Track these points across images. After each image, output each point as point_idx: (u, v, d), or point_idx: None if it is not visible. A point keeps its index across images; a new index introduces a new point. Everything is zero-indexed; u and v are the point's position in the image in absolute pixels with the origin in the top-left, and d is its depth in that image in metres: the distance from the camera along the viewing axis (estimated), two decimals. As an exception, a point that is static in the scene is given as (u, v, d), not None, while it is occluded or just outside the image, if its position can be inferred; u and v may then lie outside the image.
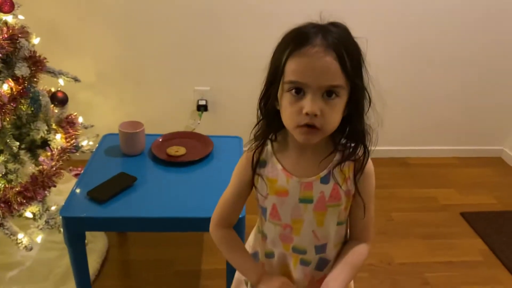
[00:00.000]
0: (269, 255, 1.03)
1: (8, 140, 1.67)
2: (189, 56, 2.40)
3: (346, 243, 1.02)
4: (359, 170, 0.93)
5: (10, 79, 1.54)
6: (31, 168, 1.65)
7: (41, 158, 1.64)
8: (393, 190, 2.44)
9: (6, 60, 1.56)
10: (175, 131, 1.82)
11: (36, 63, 1.62)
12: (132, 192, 1.48)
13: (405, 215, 2.27)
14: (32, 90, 1.63)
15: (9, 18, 1.60)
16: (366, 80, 0.86)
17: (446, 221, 2.25)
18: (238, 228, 1.11)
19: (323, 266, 1.01)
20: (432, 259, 1.99)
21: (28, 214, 1.62)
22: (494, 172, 2.73)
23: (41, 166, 1.61)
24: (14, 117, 1.55)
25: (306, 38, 0.80)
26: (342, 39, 0.81)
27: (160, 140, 1.75)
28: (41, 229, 1.63)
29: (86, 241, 1.45)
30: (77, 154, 1.90)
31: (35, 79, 1.62)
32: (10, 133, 1.68)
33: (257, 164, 0.95)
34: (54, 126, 1.79)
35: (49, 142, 1.72)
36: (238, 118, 2.52)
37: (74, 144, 1.82)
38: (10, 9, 1.56)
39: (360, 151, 0.92)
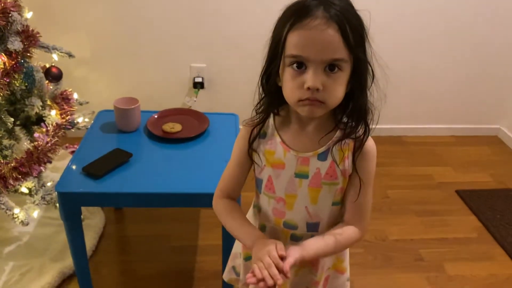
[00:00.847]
0: (262, 228, 1.03)
1: (2, 116, 1.66)
2: (185, 33, 2.38)
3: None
4: (358, 149, 0.91)
5: (2, 54, 1.52)
6: (26, 144, 1.65)
7: (36, 134, 1.63)
8: (389, 168, 2.45)
9: (-2, 34, 1.54)
10: (171, 108, 1.81)
11: (29, 37, 1.60)
12: (127, 168, 1.48)
13: (401, 193, 2.29)
14: (25, 65, 1.61)
15: (0, -9, 1.57)
16: (369, 54, 0.85)
17: (441, 199, 2.27)
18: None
19: None
20: (426, 235, 2.01)
21: (24, 189, 1.62)
22: (490, 150, 2.74)
23: (36, 142, 1.60)
24: (8, 92, 1.54)
25: (307, 10, 0.79)
26: (344, 11, 0.79)
27: (156, 116, 1.74)
28: (37, 204, 1.64)
29: (82, 216, 1.46)
30: (73, 130, 1.90)
31: (28, 54, 1.60)
32: (5, 109, 1.68)
33: (255, 140, 0.95)
34: (49, 102, 1.78)
35: (44, 118, 1.71)
36: (234, 95, 2.51)
37: (70, 121, 1.81)
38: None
39: (361, 130, 0.90)
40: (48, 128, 1.65)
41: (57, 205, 1.44)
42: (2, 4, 1.52)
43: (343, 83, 0.83)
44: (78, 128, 1.92)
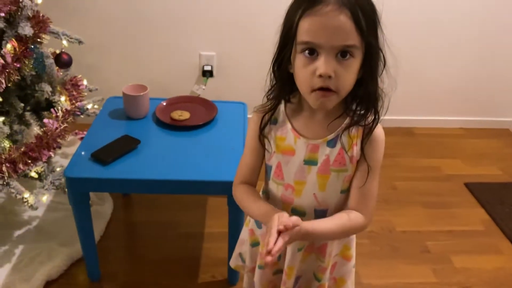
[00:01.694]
0: None
1: (13, 101, 1.68)
2: (195, 20, 2.37)
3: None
4: (366, 136, 0.91)
5: (13, 39, 1.53)
6: (36, 129, 1.66)
7: (46, 120, 1.65)
8: (398, 159, 2.44)
9: (9, 19, 1.54)
10: (179, 95, 1.82)
11: (39, 23, 1.60)
12: (135, 154, 1.49)
13: (408, 184, 2.28)
14: (36, 50, 1.62)
15: (11, -24, 1.57)
16: (381, 41, 0.84)
17: (449, 191, 2.25)
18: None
19: None
20: (433, 227, 2.01)
21: (33, 174, 1.64)
22: (501, 143, 2.71)
23: (46, 128, 1.61)
24: (19, 77, 1.54)
25: None
26: None
27: (164, 104, 1.75)
28: (46, 189, 1.66)
29: (90, 202, 1.48)
30: (82, 117, 1.91)
31: (38, 40, 1.61)
32: (15, 94, 1.69)
33: (266, 126, 0.95)
34: (58, 88, 1.79)
35: (53, 104, 1.72)
36: (243, 84, 2.51)
37: (79, 107, 1.82)
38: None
39: (370, 116, 0.90)
40: (58, 114, 1.66)
41: (66, 189, 1.46)
42: (13, -10, 1.52)
43: (354, 70, 0.82)
44: (88, 115, 1.93)
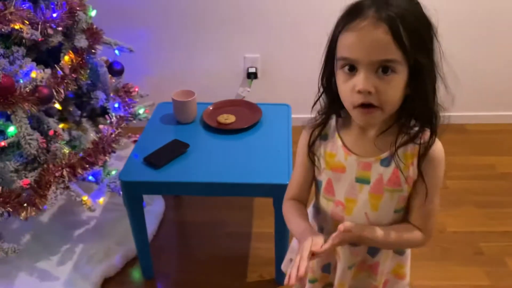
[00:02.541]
0: (320, 230, 1.03)
1: (71, 109, 1.79)
2: (239, 23, 2.41)
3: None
4: (423, 155, 0.86)
5: (70, 51, 1.62)
6: (92, 135, 1.76)
7: (101, 126, 1.74)
8: (449, 157, 2.30)
9: (66, 33, 1.64)
10: (224, 99, 1.86)
11: (93, 34, 1.70)
12: (185, 158, 1.55)
13: (461, 183, 2.21)
14: (90, 61, 1.71)
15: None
16: (438, 56, 0.81)
17: (504, 190, 2.16)
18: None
19: (375, 251, 1.00)
20: (487, 228, 1.94)
21: (91, 178, 1.74)
22: (561, 139, 2.57)
23: (101, 133, 1.71)
24: (75, 87, 1.64)
25: (358, 11, 0.77)
26: (401, 11, 0.76)
27: (211, 108, 1.80)
28: (102, 191, 1.75)
29: (144, 203, 1.55)
30: (134, 122, 2.00)
31: (93, 50, 1.70)
32: (73, 102, 1.80)
33: (315, 141, 0.94)
34: (112, 95, 1.88)
35: (108, 111, 1.81)
36: (288, 86, 2.53)
37: (131, 113, 1.91)
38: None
39: (426, 134, 0.86)
40: (112, 120, 1.76)
41: (121, 192, 1.54)
42: (69, 5, 1.62)
43: (398, 87, 0.79)
44: (139, 119, 2.02)
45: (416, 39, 0.76)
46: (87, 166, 1.60)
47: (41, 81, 1.46)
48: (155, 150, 1.56)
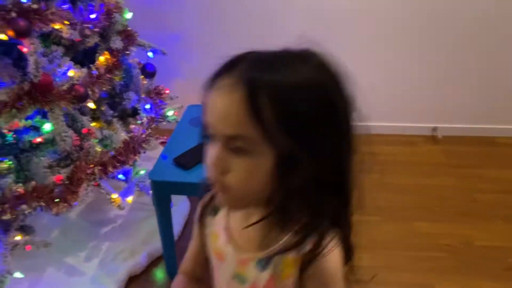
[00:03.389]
0: None
1: (103, 108, 1.82)
2: (270, 30, 2.43)
3: None
4: (306, 267, 0.65)
5: (106, 52, 1.66)
6: (123, 135, 1.79)
7: (132, 126, 1.77)
8: (478, 171, 2.32)
9: (102, 34, 1.68)
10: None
11: (128, 36, 1.74)
12: (213, 160, 1.56)
13: (490, 197, 2.16)
14: (124, 62, 1.75)
15: (104, -6, 1.71)
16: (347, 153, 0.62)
17: (535, 206, 2.12)
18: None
19: None
20: (517, 244, 1.90)
21: (120, 176, 1.77)
22: None
23: (132, 133, 1.74)
24: (109, 87, 1.68)
25: (232, 65, 0.61)
26: (284, 80, 0.57)
27: (240, 111, 1.81)
28: (131, 190, 1.78)
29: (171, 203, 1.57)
30: (164, 123, 2.03)
31: (127, 52, 1.74)
32: (105, 101, 1.83)
33: (204, 215, 0.80)
34: (143, 96, 1.92)
35: (139, 111, 1.84)
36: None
37: (161, 114, 1.94)
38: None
39: (308, 245, 0.64)
40: (143, 121, 1.79)
41: (150, 192, 1.56)
42: (106, 6, 1.66)
43: (255, 172, 0.60)
44: (169, 121, 2.05)
45: (295, 124, 0.58)
46: (118, 164, 1.63)
47: (77, 80, 1.50)
48: (184, 152, 1.58)
